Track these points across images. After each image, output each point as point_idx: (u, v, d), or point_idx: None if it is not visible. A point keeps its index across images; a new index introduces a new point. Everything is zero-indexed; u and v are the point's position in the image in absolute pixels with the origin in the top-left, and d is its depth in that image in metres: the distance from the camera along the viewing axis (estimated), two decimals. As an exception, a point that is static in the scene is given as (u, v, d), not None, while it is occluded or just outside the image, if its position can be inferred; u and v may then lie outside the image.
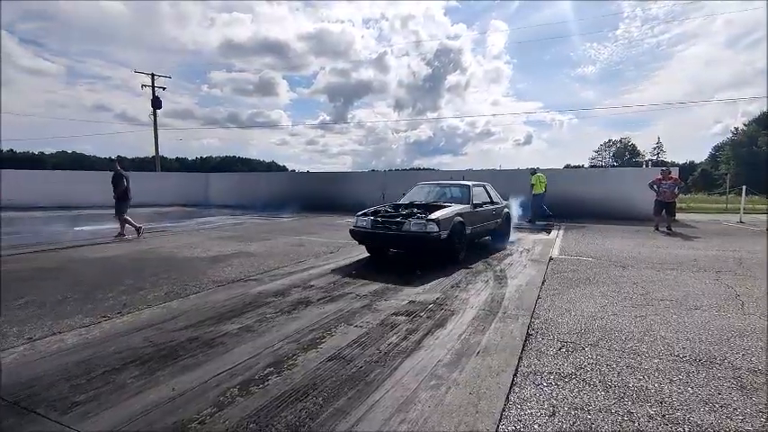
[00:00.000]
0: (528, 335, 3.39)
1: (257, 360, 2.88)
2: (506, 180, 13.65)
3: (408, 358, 2.92)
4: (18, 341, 3.19)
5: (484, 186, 8.11)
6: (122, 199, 8.99)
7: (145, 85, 27.00)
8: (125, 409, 2.24)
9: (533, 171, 13.20)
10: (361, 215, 6.63)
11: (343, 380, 2.58)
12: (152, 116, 27.20)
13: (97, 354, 2.97)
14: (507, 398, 2.39)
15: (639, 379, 2.62)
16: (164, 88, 27.59)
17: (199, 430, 2.06)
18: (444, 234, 5.88)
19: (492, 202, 7.95)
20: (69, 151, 75.45)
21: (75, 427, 2.08)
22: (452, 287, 4.91)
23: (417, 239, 5.85)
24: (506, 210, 8.50)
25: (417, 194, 7.85)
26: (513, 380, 2.61)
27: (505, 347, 3.12)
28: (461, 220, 6.37)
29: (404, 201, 7.56)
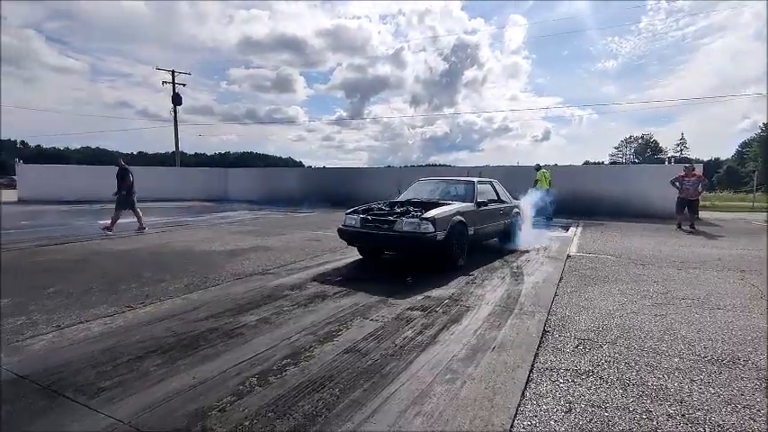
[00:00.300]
0: (544, 331, 3.37)
1: (275, 351, 2.93)
2: (526, 176, 13.45)
3: (424, 352, 2.93)
4: (47, 328, 3.32)
5: (491, 183, 7.44)
6: (129, 193, 9.21)
7: (165, 82, 27.53)
8: (148, 396, 2.32)
9: (538, 167, 13.10)
10: (350, 213, 5.96)
11: (359, 372, 2.62)
12: (172, 112, 27.73)
13: (121, 342, 3.07)
14: (523, 393, 2.38)
15: (659, 378, 2.58)
16: (184, 84, 28.12)
17: (219, 417, 2.11)
18: (441, 235, 5.24)
19: (499, 201, 7.25)
20: (93, 147, 77.43)
21: (103, 411, 2.16)
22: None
23: (410, 241, 5.21)
24: (516, 209, 7.77)
25: (417, 191, 7.21)
26: (528, 376, 2.60)
27: (521, 344, 3.11)
28: (462, 219, 5.70)
29: (402, 198, 6.93)
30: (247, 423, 2.06)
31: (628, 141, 76.42)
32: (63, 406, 2.22)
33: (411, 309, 3.91)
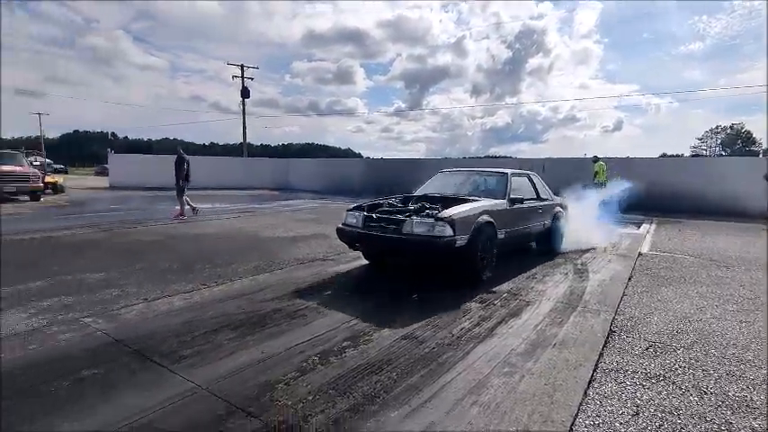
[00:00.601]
0: (611, 331, 3.20)
1: (335, 333, 3.06)
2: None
3: (481, 344, 2.91)
4: (137, 300, 3.71)
5: (528, 176, 6.29)
6: (184, 180, 9.81)
7: (235, 76, 29.03)
8: (222, 366, 2.53)
9: (595, 159, 12.34)
10: (353, 209, 4.94)
11: (415, 358, 2.67)
12: (241, 105, 29.28)
13: (198, 317, 3.36)
14: (585, 392, 2.30)
15: (742, 389, 2.37)
16: (251, 78, 29.52)
17: (285, 390, 2.26)
18: (462, 240, 4.17)
19: (538, 198, 6.10)
20: (171, 138, 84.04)
21: (184, 376, 2.39)
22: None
23: (421, 246, 4.17)
24: (558, 208, 6.52)
25: (439, 185, 6.13)
26: (592, 375, 2.50)
27: (584, 342, 2.98)
28: (490, 220, 4.59)
29: (419, 192, 5.85)
30: (311, 398, 2.19)
31: (714, 132, 69.19)
32: (151, 369, 2.49)
33: (471, 301, 3.89)
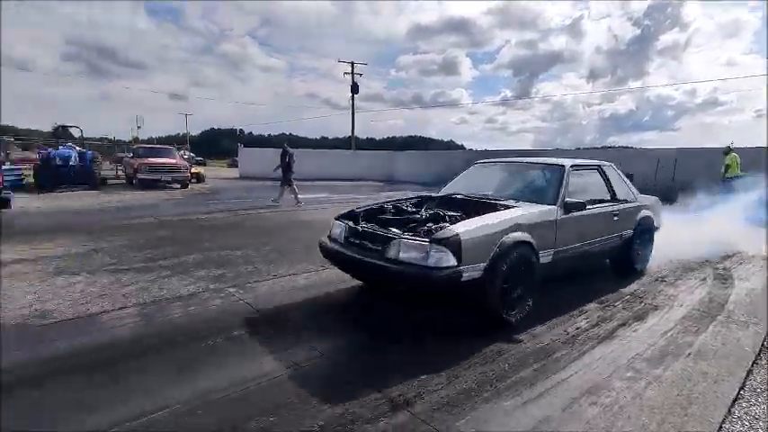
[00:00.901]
0: (763, 347, 2.77)
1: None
2: (744, 160, 10.57)
3: (600, 345, 2.76)
4: (268, 276, 4.24)
5: (600, 169, 4.42)
6: (287, 171, 10.59)
7: (346, 73, 30.60)
8: (340, 340, 2.81)
9: (728, 150, 10.15)
10: (342, 217, 3.69)
11: (527, 353, 2.63)
12: (350, 100, 30.79)
13: (318, 294, 3.73)
14: (730, 410, 2.05)
15: None
16: (360, 74, 30.81)
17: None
18: (474, 271, 2.80)
19: (614, 199, 4.32)
20: (287, 133, 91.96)
21: (309, 343, 2.69)
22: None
23: (409, 281, 2.85)
24: (645, 212, 4.66)
25: (468, 182, 4.61)
26: (738, 393, 2.21)
27: (728, 355, 2.64)
28: (526, 239, 3.09)
29: (444, 191, 4.48)
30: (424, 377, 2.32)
31: None
32: (281, 335, 2.85)
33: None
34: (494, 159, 5.10)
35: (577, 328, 3.03)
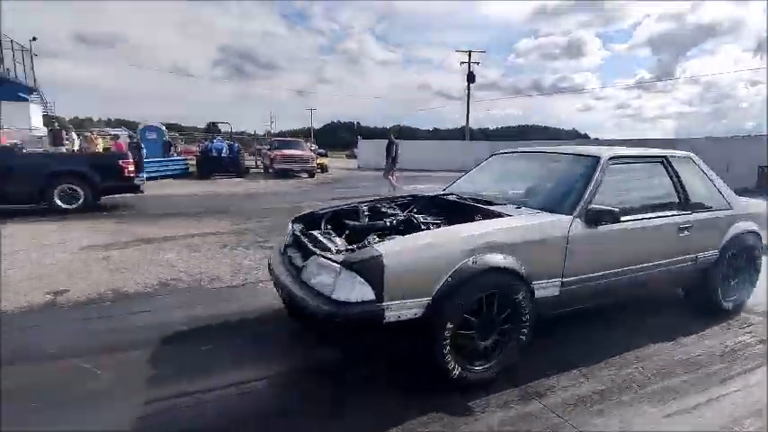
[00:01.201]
0: None
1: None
2: None
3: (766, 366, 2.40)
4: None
5: (666, 162, 3.04)
6: (393, 161, 10.94)
7: (462, 62, 30.07)
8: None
9: None
10: (297, 219, 3.03)
11: (675, 361, 2.42)
12: (466, 90, 30.25)
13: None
14: None
15: None
16: (477, 63, 30.03)
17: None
18: (406, 311, 1.95)
19: (685, 204, 2.93)
20: (402, 125, 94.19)
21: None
22: None
23: (311, 318, 2.01)
24: (746, 224, 3.18)
25: (480, 177, 3.71)
26: None
27: None
28: (506, 265, 2.13)
29: (449, 189, 3.59)
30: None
31: None
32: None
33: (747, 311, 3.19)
34: (522, 149, 3.95)
35: (737, 342, 2.67)
